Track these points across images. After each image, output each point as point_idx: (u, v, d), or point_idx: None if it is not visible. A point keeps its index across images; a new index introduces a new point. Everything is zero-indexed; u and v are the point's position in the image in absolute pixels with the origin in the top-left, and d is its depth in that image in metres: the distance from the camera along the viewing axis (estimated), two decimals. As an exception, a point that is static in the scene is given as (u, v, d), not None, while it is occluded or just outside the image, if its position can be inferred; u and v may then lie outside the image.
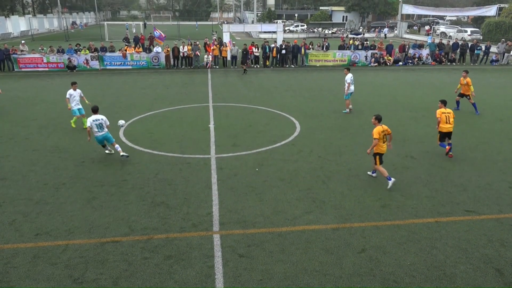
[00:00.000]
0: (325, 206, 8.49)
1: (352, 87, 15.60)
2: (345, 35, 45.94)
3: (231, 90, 20.77)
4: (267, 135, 13.07)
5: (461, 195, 9.04)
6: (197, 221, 7.93)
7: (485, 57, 30.93)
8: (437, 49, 30.85)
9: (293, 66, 29.07)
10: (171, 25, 72.41)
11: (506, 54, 30.65)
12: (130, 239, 7.32)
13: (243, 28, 41.71)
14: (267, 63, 28.77)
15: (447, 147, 11.24)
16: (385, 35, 54.85)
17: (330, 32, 60.68)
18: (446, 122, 11.05)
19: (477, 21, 57.58)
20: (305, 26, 65.25)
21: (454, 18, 65.46)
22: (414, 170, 10.42)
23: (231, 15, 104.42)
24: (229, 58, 28.76)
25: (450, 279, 6.26)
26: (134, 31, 57.98)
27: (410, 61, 30.02)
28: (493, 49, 32.08)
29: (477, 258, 6.75)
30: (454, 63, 30.42)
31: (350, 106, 16.02)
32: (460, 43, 31.40)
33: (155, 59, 28.38)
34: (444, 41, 32.68)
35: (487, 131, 13.70)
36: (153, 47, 29.39)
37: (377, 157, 9.43)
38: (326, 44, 30.63)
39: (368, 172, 10.16)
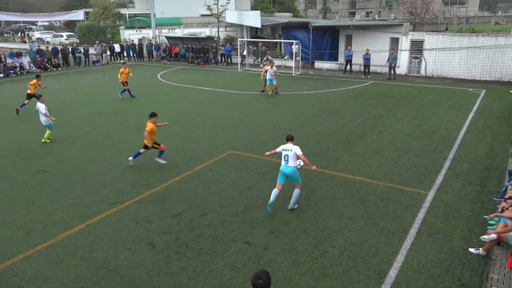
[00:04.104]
0: (-48, 264, 6.77)
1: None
2: None
3: None
4: None
5: (103, 191, 9.46)
6: None
7: (86, 59, 32.73)
8: (38, 55, 29.91)
9: None
10: None
11: (104, 55, 33.59)
12: None
13: None
14: None
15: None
16: None
17: None
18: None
19: (69, 26, 59.30)
20: None
21: (47, 23, 64.77)
22: (50, 183, 9.93)
23: None
24: None
25: (115, 271, 6.54)
26: None
27: (12, 71, 27.68)
28: (92, 51, 34.26)
29: (131, 242, 7.35)
30: (60, 68, 30.50)
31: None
32: (59, 48, 31.65)
33: None
34: (43, 47, 32.01)
35: (111, 127, 14.77)
36: None
37: None
38: None
39: None
